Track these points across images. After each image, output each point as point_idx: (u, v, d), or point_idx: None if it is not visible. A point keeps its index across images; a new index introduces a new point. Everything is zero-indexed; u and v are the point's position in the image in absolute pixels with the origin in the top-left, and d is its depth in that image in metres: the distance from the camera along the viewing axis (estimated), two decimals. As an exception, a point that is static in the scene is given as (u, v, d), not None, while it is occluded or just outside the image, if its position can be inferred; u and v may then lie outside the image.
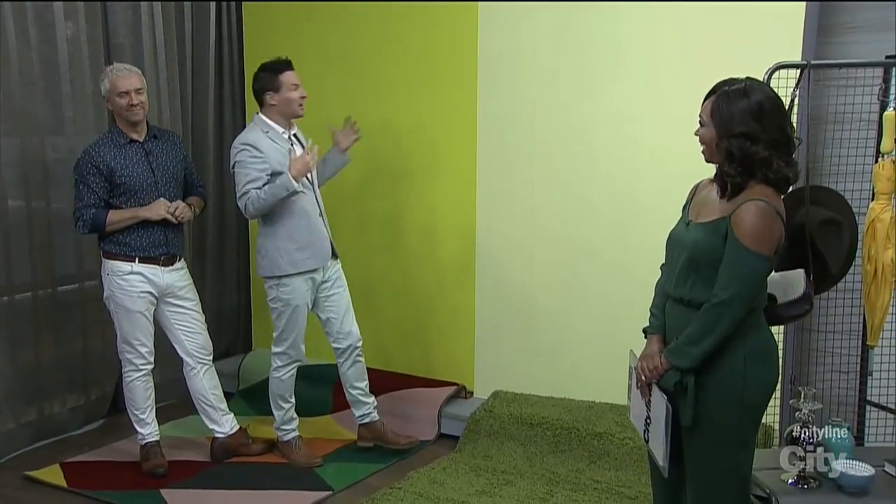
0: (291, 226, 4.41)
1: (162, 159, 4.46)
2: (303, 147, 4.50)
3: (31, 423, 4.98)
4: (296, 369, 4.68)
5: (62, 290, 5.08)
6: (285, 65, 4.41)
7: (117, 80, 4.28)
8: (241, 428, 4.82)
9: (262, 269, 4.54)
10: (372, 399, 4.83)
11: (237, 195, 4.38)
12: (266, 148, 4.33)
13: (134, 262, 4.36)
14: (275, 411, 4.71)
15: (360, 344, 4.74)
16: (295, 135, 4.52)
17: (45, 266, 4.96)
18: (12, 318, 4.83)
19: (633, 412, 3.14)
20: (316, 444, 4.86)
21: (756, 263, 2.69)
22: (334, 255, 4.63)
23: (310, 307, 4.59)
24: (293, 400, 4.72)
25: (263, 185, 4.31)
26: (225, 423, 4.75)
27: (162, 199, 4.39)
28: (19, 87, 4.71)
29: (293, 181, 4.24)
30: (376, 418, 4.83)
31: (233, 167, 4.41)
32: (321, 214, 4.55)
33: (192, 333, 4.62)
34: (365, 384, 4.81)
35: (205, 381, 4.68)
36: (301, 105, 4.44)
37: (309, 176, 4.47)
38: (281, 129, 4.42)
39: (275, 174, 4.33)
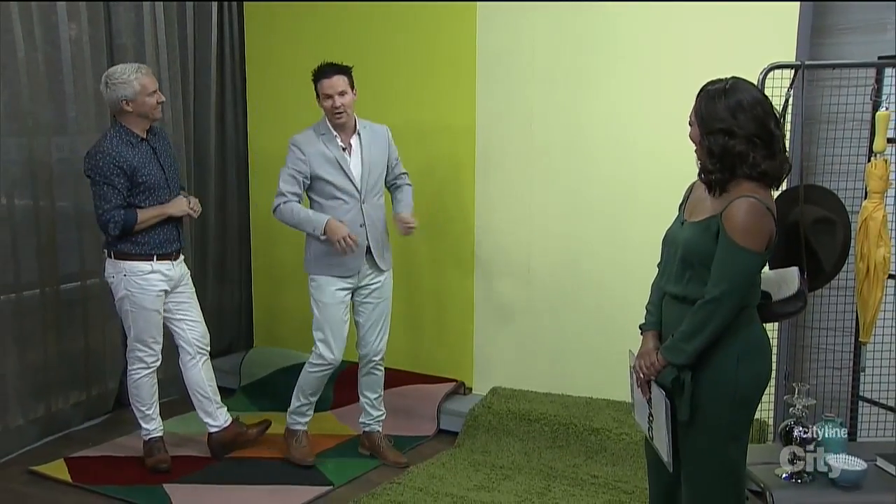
0: None
1: (164, 155, 4.48)
2: (361, 152, 4.44)
3: (38, 419, 5.02)
4: (325, 373, 4.59)
5: (65, 287, 5.11)
6: (324, 72, 4.33)
7: (146, 79, 4.28)
8: (233, 419, 4.84)
9: (304, 266, 4.58)
10: (379, 413, 4.81)
11: (277, 192, 4.38)
12: (311, 151, 4.35)
13: (152, 260, 4.38)
14: (294, 399, 4.68)
15: (377, 358, 4.70)
16: (359, 134, 4.46)
17: (49, 264, 4.98)
18: (20, 315, 4.86)
19: (637, 411, 3.18)
20: (316, 439, 4.88)
21: (747, 260, 2.73)
22: (378, 268, 4.56)
23: (346, 310, 4.55)
24: (313, 399, 4.68)
25: (295, 188, 4.35)
26: (219, 416, 4.75)
27: (181, 196, 4.47)
28: (25, 87, 4.74)
29: (323, 230, 4.26)
30: (376, 430, 4.82)
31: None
32: (363, 225, 4.43)
33: (193, 322, 4.64)
34: (375, 396, 4.79)
35: (203, 373, 4.69)
36: (337, 115, 4.33)
37: (357, 184, 4.41)
38: (335, 133, 4.40)
39: (314, 178, 4.36)
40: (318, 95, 4.37)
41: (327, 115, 4.39)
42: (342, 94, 4.33)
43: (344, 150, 4.42)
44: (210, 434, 4.78)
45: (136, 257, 4.36)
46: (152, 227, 4.35)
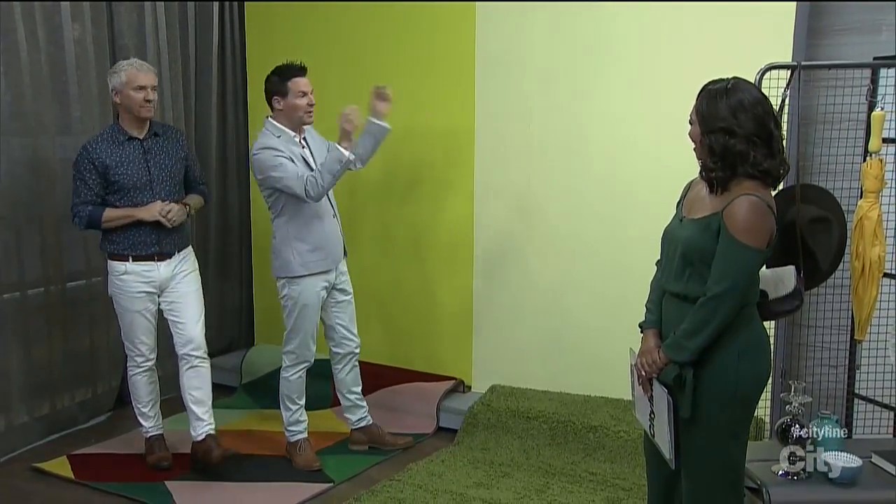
0: (303, 228, 4.44)
1: (160, 157, 4.40)
2: (310, 150, 4.52)
3: (43, 416, 5.05)
4: (304, 371, 4.64)
5: (70, 286, 5.14)
6: (296, 70, 4.40)
7: (136, 74, 4.24)
8: (210, 435, 4.57)
9: (275, 271, 4.56)
10: (365, 403, 4.88)
11: (293, 186, 4.29)
12: (281, 149, 4.36)
13: (127, 261, 4.35)
14: (283, 411, 4.69)
15: (359, 350, 4.79)
16: (305, 138, 4.53)
17: (55, 263, 5.01)
18: (25, 313, 4.90)
19: (638, 409, 3.20)
20: (316, 437, 4.90)
21: (748, 257, 2.76)
22: (344, 251, 4.67)
23: (319, 308, 4.60)
24: (301, 402, 4.68)
25: (301, 168, 4.35)
26: (196, 428, 4.55)
27: (158, 201, 4.34)
28: (29, 88, 4.77)
29: (344, 151, 4.27)
30: (371, 422, 4.88)
31: (264, 172, 4.36)
32: (335, 216, 4.57)
33: (181, 326, 4.51)
34: (360, 388, 4.86)
35: (184, 380, 4.52)
36: (308, 113, 4.43)
37: None
38: (292, 133, 4.45)
39: None
40: (283, 94, 4.40)
41: (298, 113, 4.41)
42: (312, 92, 4.45)
43: (303, 147, 4.50)
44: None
45: (114, 257, 4.36)
46: (126, 228, 4.31)
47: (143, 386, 4.59)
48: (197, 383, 4.54)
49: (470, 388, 5.44)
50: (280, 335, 4.67)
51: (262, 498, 4.35)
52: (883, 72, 3.98)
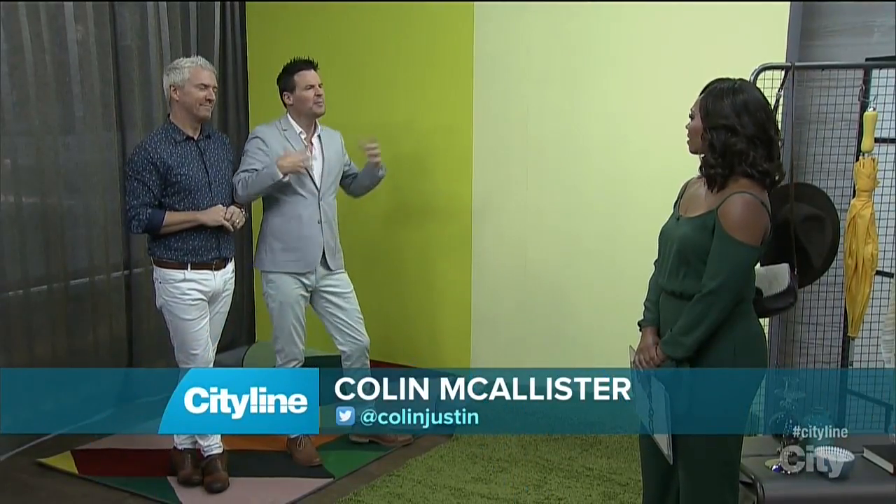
0: (281, 227, 4.49)
1: (214, 159, 4.25)
2: (321, 146, 4.56)
3: (48, 412, 5.05)
4: (297, 368, 4.66)
5: (73, 283, 5.16)
6: (302, 64, 4.45)
7: (200, 71, 4.10)
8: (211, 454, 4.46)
9: (255, 262, 4.68)
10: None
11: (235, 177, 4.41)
12: (274, 144, 4.41)
13: (186, 269, 4.14)
14: None
15: (367, 349, 4.81)
16: (319, 136, 4.56)
17: (57, 261, 5.04)
18: (29, 311, 4.91)
19: (638, 405, 3.23)
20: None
21: (743, 253, 2.80)
22: (328, 267, 4.61)
23: (303, 308, 4.62)
24: None
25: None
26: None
27: (220, 204, 4.19)
28: (34, 88, 4.80)
29: (278, 171, 4.30)
30: None
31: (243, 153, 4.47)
32: (321, 222, 4.53)
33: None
34: None
35: None
36: (318, 103, 4.45)
37: (316, 182, 4.51)
38: (299, 130, 4.48)
39: None
40: (291, 88, 4.45)
41: (308, 104, 4.45)
42: (321, 85, 4.47)
43: (309, 146, 4.52)
44: None
45: (170, 264, 4.14)
46: (186, 232, 4.12)
47: None
48: None
49: (468, 384, 5.47)
50: (281, 333, 4.72)
51: (262, 493, 4.37)
52: (875, 72, 4.02)
